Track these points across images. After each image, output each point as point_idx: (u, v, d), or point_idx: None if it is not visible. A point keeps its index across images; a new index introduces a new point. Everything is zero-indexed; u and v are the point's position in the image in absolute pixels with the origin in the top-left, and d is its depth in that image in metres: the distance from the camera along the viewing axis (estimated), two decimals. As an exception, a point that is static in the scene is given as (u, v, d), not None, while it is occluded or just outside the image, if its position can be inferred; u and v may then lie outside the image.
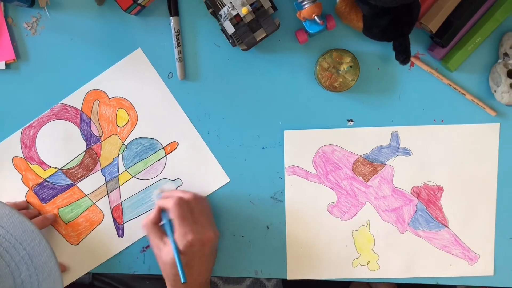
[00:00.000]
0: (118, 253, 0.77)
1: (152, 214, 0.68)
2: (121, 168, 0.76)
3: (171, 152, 0.75)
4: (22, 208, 0.76)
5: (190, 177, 0.75)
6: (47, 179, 0.76)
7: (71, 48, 0.74)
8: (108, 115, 0.75)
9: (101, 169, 0.76)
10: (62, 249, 0.77)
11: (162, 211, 0.68)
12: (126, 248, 0.76)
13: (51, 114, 0.75)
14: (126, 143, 0.75)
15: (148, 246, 0.76)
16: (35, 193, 0.76)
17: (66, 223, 0.76)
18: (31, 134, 0.75)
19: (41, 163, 0.76)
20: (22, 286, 0.48)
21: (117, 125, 0.75)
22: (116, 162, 0.75)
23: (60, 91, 0.74)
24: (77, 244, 0.77)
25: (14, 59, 0.74)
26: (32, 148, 0.75)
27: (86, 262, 0.77)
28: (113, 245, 0.77)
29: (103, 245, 0.77)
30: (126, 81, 0.74)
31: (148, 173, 0.76)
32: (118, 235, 0.77)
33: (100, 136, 0.75)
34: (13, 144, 0.76)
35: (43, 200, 0.76)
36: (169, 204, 0.66)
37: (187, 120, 0.74)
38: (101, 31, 0.73)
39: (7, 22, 0.73)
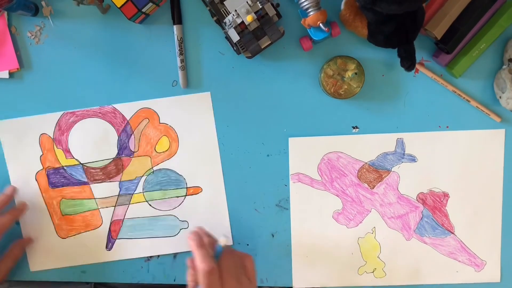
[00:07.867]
0: (114, 261, 0.76)
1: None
2: (139, 188, 0.75)
3: (192, 194, 0.75)
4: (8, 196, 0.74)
5: (197, 225, 0.74)
6: (65, 167, 0.75)
7: (75, 57, 0.73)
8: (151, 137, 0.74)
9: (120, 181, 0.75)
10: (47, 236, 0.76)
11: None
12: (117, 261, 0.77)
13: (99, 111, 0.74)
14: (155, 168, 0.75)
15: (151, 256, 0.76)
16: (47, 175, 0.76)
17: (63, 215, 0.76)
18: (70, 120, 0.75)
19: (67, 151, 0.75)
20: None
21: (155, 149, 0.74)
22: (137, 181, 0.75)
23: (63, 100, 0.74)
24: (64, 238, 0.76)
25: (17, 68, 0.73)
26: (65, 134, 0.75)
27: (63, 259, 0.77)
28: (98, 255, 0.77)
29: (88, 251, 0.76)
30: (183, 114, 0.74)
31: (162, 205, 0.75)
32: (106, 247, 0.76)
33: (134, 152, 0.75)
34: (48, 121, 0.75)
35: (51, 184, 0.76)
36: (199, 278, 0.62)
37: (220, 173, 0.74)
38: (105, 40, 0.73)
39: (10, 31, 0.73)
